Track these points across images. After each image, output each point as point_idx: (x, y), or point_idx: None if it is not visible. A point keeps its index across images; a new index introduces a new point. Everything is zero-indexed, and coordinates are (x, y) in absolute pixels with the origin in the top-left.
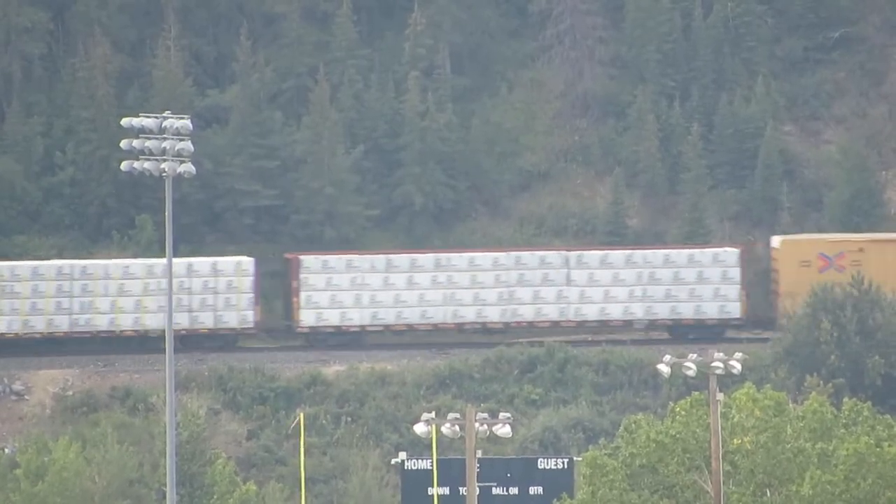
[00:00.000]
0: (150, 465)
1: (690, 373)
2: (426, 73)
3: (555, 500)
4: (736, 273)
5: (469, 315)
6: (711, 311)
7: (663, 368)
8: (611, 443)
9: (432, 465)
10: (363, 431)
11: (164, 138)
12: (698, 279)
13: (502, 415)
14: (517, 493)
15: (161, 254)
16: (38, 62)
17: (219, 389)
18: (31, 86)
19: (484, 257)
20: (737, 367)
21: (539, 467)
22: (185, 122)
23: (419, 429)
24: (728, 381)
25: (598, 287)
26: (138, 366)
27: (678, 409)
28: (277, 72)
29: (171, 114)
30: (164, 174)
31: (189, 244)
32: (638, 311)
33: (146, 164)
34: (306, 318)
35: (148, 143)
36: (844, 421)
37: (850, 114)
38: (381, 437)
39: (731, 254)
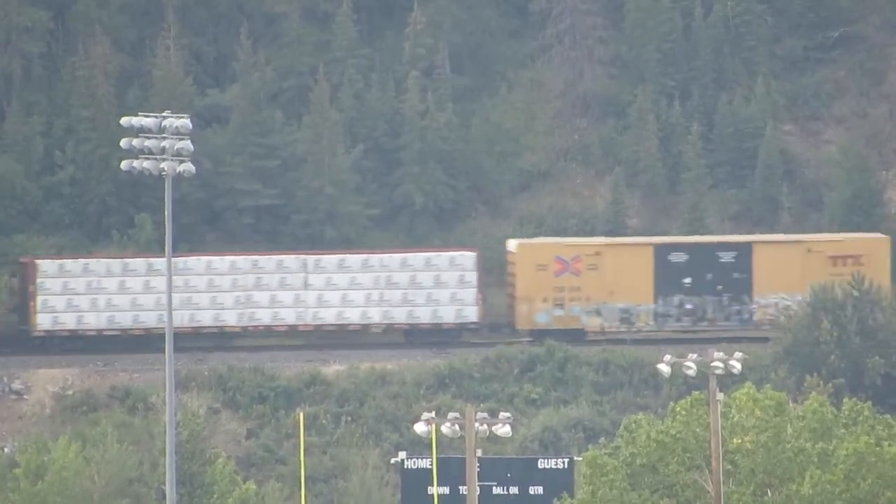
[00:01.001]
0: (150, 465)
1: (690, 372)
2: (426, 72)
3: (555, 499)
4: (473, 277)
5: (206, 319)
6: (448, 315)
7: (663, 368)
8: (611, 442)
9: (432, 465)
10: (363, 431)
11: (164, 137)
12: (435, 283)
13: (502, 414)
14: (517, 492)
15: (162, 253)
16: (38, 61)
17: (218, 389)
18: (31, 85)
19: (221, 261)
20: (737, 366)
21: (539, 467)
22: (185, 122)
23: (419, 428)
24: (728, 381)
25: (335, 291)
26: (138, 365)
27: (678, 408)
28: (278, 71)
29: (171, 113)
30: (164, 173)
31: (189, 243)
32: (375, 316)
33: (146, 164)
34: (42, 321)
35: (148, 143)
36: (844, 421)
37: (850, 113)
38: (381, 436)
39: (467, 257)
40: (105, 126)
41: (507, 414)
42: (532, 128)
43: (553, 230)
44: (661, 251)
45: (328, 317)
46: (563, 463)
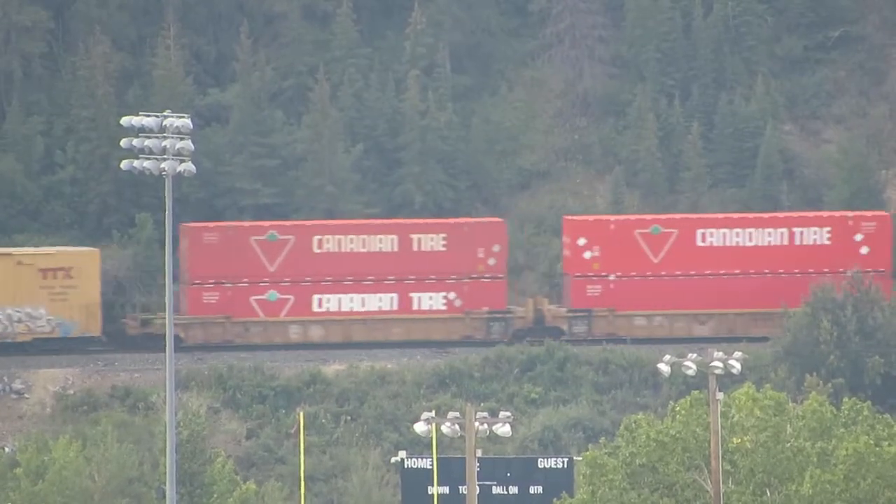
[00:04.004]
0: (150, 464)
1: (690, 372)
2: (426, 71)
3: (555, 499)
4: None
5: None
6: None
7: (663, 368)
8: (611, 442)
9: (432, 464)
10: (363, 430)
11: (165, 137)
12: None
13: (502, 414)
14: (517, 492)
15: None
16: (38, 61)
17: (219, 388)
18: (31, 85)
19: None
20: (736, 366)
21: (539, 466)
22: (186, 121)
23: (419, 428)
24: (728, 381)
25: None
26: (138, 365)
27: (678, 408)
28: (278, 71)
29: (172, 112)
30: (164, 173)
31: None
32: None
33: (146, 163)
34: None
35: (148, 142)
36: (844, 420)
37: (849, 113)
38: (380, 436)
39: None
40: (105, 126)
41: (507, 413)
42: (532, 127)
43: (553, 229)
44: None
45: None
46: (563, 462)
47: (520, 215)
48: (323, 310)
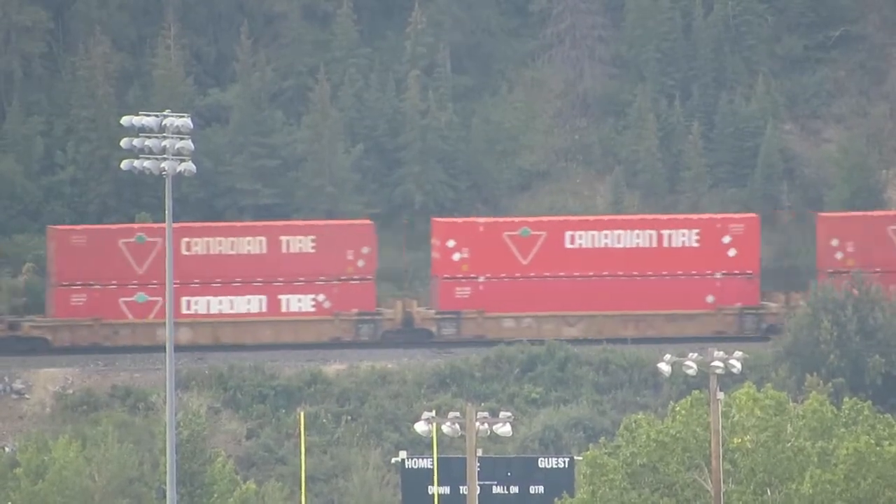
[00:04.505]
0: (150, 464)
1: (691, 372)
2: (426, 72)
3: (555, 499)
4: None
5: None
6: None
7: (664, 367)
8: (611, 442)
9: (433, 464)
10: (363, 430)
11: (165, 137)
12: None
13: (503, 414)
14: (518, 492)
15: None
16: (38, 61)
17: (219, 388)
18: (31, 85)
19: None
20: (737, 366)
21: (539, 466)
22: (186, 121)
23: (420, 427)
24: (728, 381)
25: None
26: (138, 365)
27: (678, 408)
28: (278, 71)
29: (172, 112)
30: (164, 173)
31: None
32: None
33: (146, 163)
34: None
35: (148, 142)
36: (844, 420)
37: (850, 112)
38: (381, 435)
39: None
40: (105, 126)
41: (508, 413)
42: (532, 127)
43: None
44: None
45: None
46: (564, 462)
47: (520, 215)
48: (191, 312)
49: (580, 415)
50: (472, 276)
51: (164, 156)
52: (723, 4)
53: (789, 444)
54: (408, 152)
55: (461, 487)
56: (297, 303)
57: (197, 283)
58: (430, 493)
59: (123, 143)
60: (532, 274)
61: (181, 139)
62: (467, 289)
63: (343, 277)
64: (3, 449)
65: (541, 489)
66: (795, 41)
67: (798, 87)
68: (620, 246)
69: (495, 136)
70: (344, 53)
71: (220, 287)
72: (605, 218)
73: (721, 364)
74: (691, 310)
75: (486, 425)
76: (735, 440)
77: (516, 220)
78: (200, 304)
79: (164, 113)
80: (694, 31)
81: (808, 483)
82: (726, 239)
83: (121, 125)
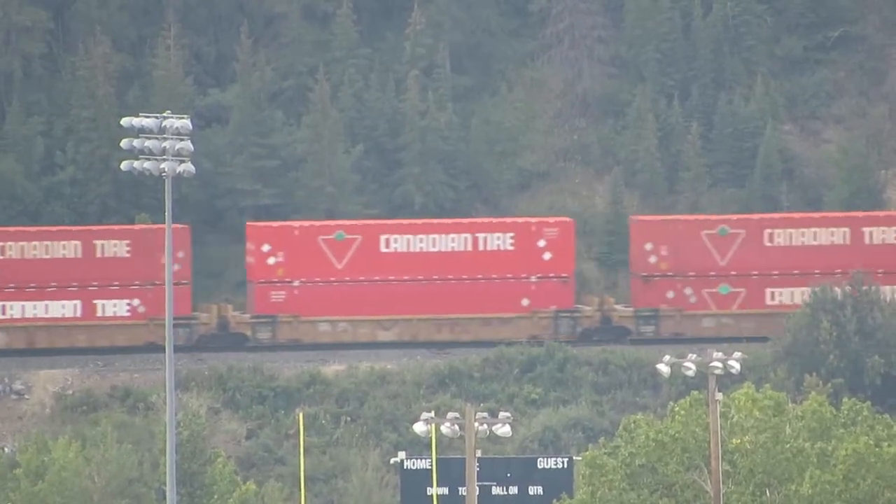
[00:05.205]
0: (150, 465)
1: (690, 373)
2: (426, 72)
3: (554, 499)
4: None
5: None
6: None
7: (663, 368)
8: (610, 442)
9: (432, 465)
10: (363, 431)
11: (164, 138)
12: None
13: (502, 414)
14: (517, 492)
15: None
16: (38, 61)
17: (218, 388)
18: (31, 85)
19: None
20: (736, 366)
21: (539, 467)
22: (185, 122)
23: (419, 428)
24: (727, 381)
25: None
26: (138, 365)
27: (677, 408)
28: (278, 71)
29: (171, 113)
30: (164, 174)
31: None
32: None
33: (146, 164)
34: None
35: (148, 143)
36: (843, 420)
37: (849, 113)
38: (380, 436)
39: None
40: (105, 126)
41: (507, 414)
42: (532, 127)
43: None
44: None
45: None
46: (563, 463)
47: (519, 216)
48: (7, 316)
49: (579, 415)
50: (288, 280)
51: (164, 157)
52: (722, 5)
53: (788, 444)
54: (408, 153)
55: (460, 488)
56: (113, 308)
57: (12, 288)
58: (429, 493)
59: (123, 143)
60: (347, 278)
61: (181, 140)
62: (282, 293)
63: (157, 282)
64: (3, 449)
65: (540, 490)
66: (795, 42)
67: (797, 88)
68: (436, 250)
69: (495, 137)
70: (344, 53)
71: (34, 291)
72: (420, 222)
73: (720, 365)
74: (506, 313)
75: (485, 426)
76: (734, 441)
77: (331, 223)
78: (15, 309)
79: (164, 114)
80: (693, 31)
81: (808, 484)
82: (541, 243)
83: (121, 125)
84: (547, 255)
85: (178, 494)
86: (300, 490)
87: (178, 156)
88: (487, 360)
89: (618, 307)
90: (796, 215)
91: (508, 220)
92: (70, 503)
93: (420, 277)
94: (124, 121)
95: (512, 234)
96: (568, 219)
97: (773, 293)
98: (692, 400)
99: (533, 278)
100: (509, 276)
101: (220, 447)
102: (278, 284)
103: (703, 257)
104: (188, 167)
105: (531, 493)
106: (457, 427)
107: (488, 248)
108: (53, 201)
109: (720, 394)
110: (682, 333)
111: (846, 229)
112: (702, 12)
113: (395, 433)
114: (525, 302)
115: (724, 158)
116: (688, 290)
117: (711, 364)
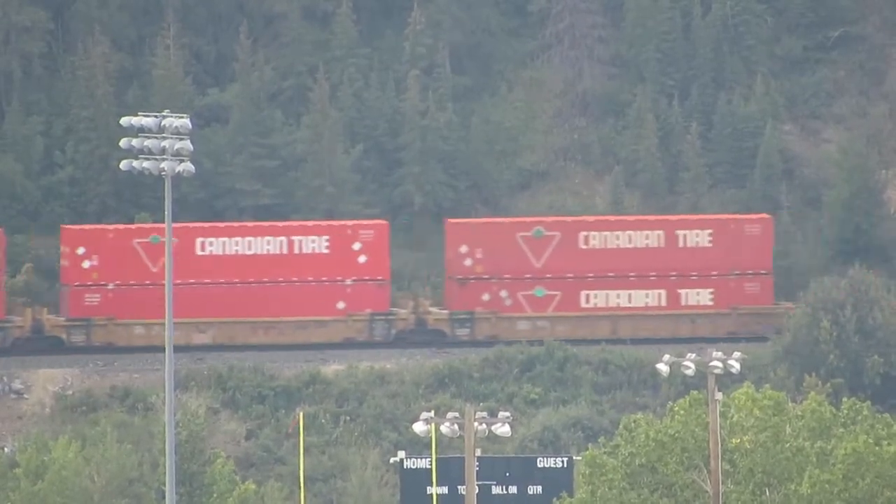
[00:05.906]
0: (150, 464)
1: (689, 372)
2: (426, 72)
3: (554, 499)
4: None
5: None
6: None
7: (662, 368)
8: (610, 442)
9: (431, 464)
10: (362, 430)
11: (164, 137)
12: None
13: (501, 414)
14: (516, 492)
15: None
16: (37, 61)
17: (218, 388)
18: (30, 85)
19: None
20: (735, 366)
21: (538, 466)
22: (185, 121)
23: (418, 428)
24: (727, 381)
25: None
26: (137, 365)
27: (677, 408)
28: (277, 71)
29: (171, 113)
30: (164, 173)
31: None
32: None
33: (145, 164)
34: None
35: (147, 143)
36: (843, 420)
37: (849, 113)
38: (380, 435)
39: None
40: (105, 126)
41: (507, 413)
42: (532, 127)
43: None
44: None
45: None
46: (563, 462)
47: (519, 215)
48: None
49: (579, 415)
50: (102, 283)
51: (164, 156)
52: (722, 4)
53: (788, 444)
54: (407, 152)
55: (460, 487)
56: None
57: None
58: (428, 493)
59: (123, 143)
60: (161, 281)
61: (180, 140)
62: (97, 296)
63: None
64: (3, 449)
65: (539, 489)
66: (795, 41)
67: (797, 88)
68: (251, 253)
69: (495, 136)
70: (343, 53)
71: None
72: (236, 225)
73: (719, 364)
74: (322, 316)
75: (484, 425)
76: (734, 440)
77: (146, 226)
78: None
79: (164, 113)
80: (693, 31)
81: (807, 483)
82: (356, 245)
83: (120, 125)
84: (362, 258)
85: (178, 494)
86: (300, 489)
87: (178, 155)
88: (487, 360)
89: (433, 310)
90: (611, 218)
91: (324, 223)
92: (70, 503)
93: (236, 280)
94: (124, 120)
95: (327, 237)
96: (383, 221)
97: (587, 296)
98: (692, 399)
99: (348, 281)
100: (325, 279)
101: (219, 447)
102: (93, 287)
103: (519, 260)
104: (188, 167)
105: (531, 492)
106: (456, 427)
107: (304, 251)
108: (53, 201)
109: (720, 393)
110: (497, 336)
111: (660, 232)
112: (702, 12)
113: (395, 433)
114: (341, 305)
115: (724, 158)
116: (503, 293)
117: (711, 364)
